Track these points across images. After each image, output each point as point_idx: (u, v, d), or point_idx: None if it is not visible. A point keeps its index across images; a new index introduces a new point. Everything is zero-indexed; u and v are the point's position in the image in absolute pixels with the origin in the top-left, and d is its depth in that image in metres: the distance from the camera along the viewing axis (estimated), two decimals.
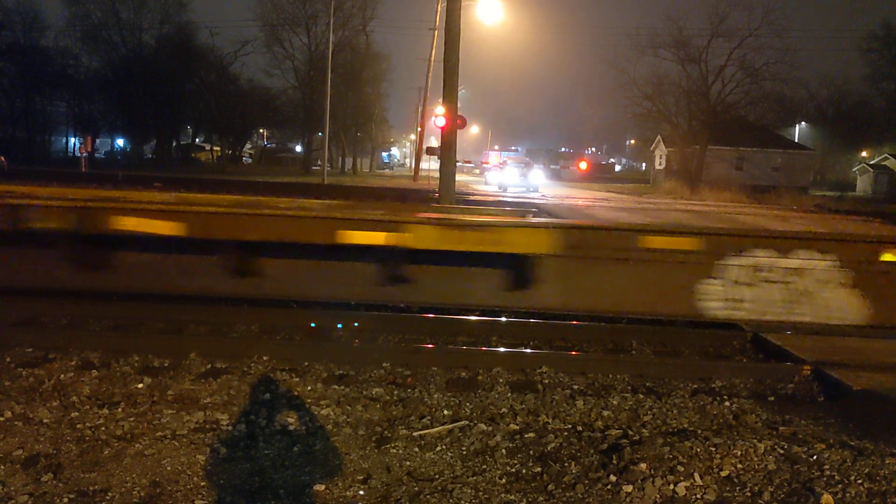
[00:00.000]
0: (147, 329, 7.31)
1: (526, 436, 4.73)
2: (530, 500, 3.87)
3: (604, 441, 4.61)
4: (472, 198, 22.29)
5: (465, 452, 4.48)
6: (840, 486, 3.98)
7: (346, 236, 7.40)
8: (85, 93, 60.36)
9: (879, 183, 58.46)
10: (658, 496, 3.84)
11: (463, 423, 4.95)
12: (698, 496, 3.86)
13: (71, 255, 7.82)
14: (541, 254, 7.51)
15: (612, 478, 4.03)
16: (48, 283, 7.87)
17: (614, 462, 4.21)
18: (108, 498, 3.75)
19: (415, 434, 4.74)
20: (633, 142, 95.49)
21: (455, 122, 15.54)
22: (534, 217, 9.75)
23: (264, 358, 6.26)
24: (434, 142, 38.73)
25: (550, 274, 7.65)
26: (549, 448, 4.53)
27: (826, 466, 4.22)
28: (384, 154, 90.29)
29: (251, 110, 64.76)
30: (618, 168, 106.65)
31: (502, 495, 3.91)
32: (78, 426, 4.63)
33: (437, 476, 4.15)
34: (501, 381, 6.02)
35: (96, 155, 57.56)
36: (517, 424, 4.98)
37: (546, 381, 6.05)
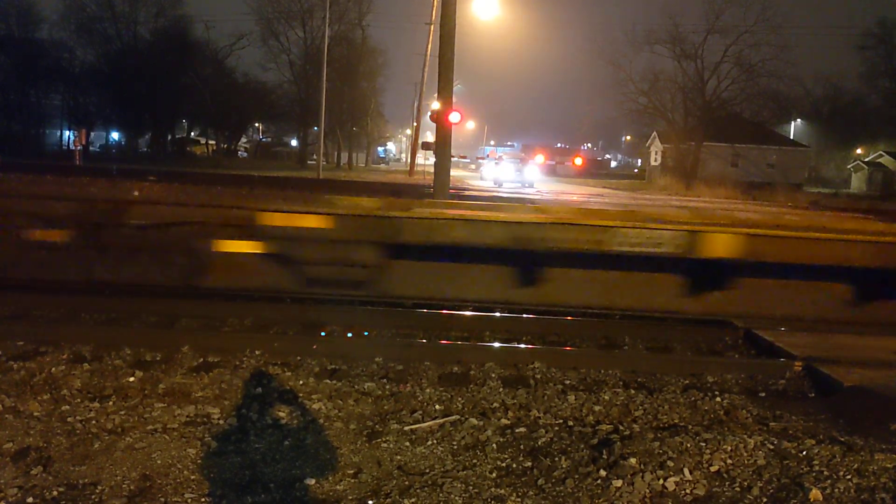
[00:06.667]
0: (140, 322, 7.29)
1: (517, 430, 4.73)
2: (520, 494, 3.88)
3: (594, 436, 4.62)
4: (467, 193, 22.28)
5: (455, 447, 4.49)
6: (829, 481, 4.00)
7: None
8: (80, 86, 60.07)
9: (874, 180, 58.63)
10: (648, 491, 3.85)
11: (454, 417, 4.95)
12: (688, 491, 3.88)
13: None
14: None
15: (602, 472, 4.03)
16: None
17: (604, 457, 4.22)
18: (97, 491, 3.74)
19: (406, 428, 4.74)
20: (628, 138, 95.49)
21: (450, 118, 15.53)
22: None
23: (257, 352, 6.25)
24: (430, 137, 38.62)
25: None
26: (539, 443, 4.54)
27: (815, 462, 4.24)
28: (380, 149, 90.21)
29: (247, 104, 64.57)
30: (613, 164, 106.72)
31: (492, 489, 3.91)
32: (68, 419, 4.62)
33: (427, 470, 4.15)
34: (494, 375, 6.03)
35: (91, 148, 57.20)
36: (508, 419, 4.99)
37: (538, 377, 6.06)
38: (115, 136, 71.91)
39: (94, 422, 4.61)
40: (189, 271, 8.10)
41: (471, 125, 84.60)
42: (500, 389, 5.65)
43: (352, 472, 4.11)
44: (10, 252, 8.12)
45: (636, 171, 67.06)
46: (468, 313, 7.83)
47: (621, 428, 4.77)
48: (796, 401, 5.77)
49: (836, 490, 3.91)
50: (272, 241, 7.88)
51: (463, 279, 8.60)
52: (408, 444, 4.51)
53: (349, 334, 7.20)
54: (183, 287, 8.15)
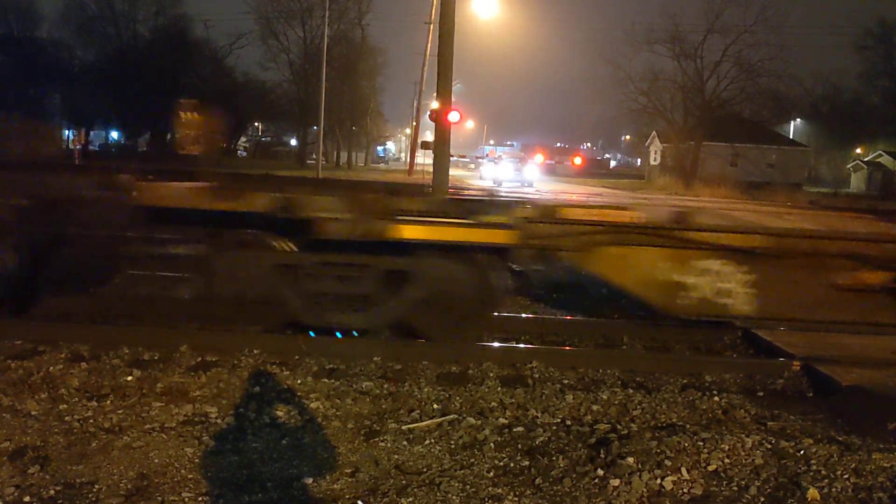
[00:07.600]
0: (138, 321, 7.27)
1: (515, 430, 4.73)
2: (518, 493, 3.88)
3: (592, 435, 4.62)
4: (466, 192, 22.22)
5: (453, 446, 4.49)
6: (826, 480, 4.01)
7: None
8: (79, 85, 60.03)
9: (874, 180, 58.67)
10: (645, 490, 3.85)
11: (452, 416, 4.95)
12: (685, 490, 3.88)
13: None
14: None
15: (600, 472, 4.04)
16: None
17: (602, 456, 4.23)
18: (94, 490, 3.74)
19: (404, 428, 4.74)
20: (628, 137, 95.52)
21: (449, 117, 15.53)
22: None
23: (255, 351, 6.25)
24: (429, 136, 38.62)
25: None
26: (537, 442, 4.54)
27: (813, 461, 4.24)
28: (379, 148, 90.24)
29: (246, 104, 64.51)
30: (613, 164, 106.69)
31: (490, 489, 3.92)
32: (66, 418, 4.62)
33: (425, 469, 4.15)
34: (492, 375, 6.02)
35: (91, 147, 57.26)
36: (506, 418, 4.99)
37: (536, 376, 6.06)
38: (114, 135, 71.81)
39: (91, 421, 4.60)
40: None
41: (470, 125, 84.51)
42: (498, 389, 5.65)
43: (349, 471, 4.11)
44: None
45: (645, 168, 66.86)
46: None
47: (619, 427, 4.77)
48: (794, 400, 5.78)
49: (834, 489, 3.92)
50: None
51: None
52: (405, 443, 4.51)
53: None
54: None
